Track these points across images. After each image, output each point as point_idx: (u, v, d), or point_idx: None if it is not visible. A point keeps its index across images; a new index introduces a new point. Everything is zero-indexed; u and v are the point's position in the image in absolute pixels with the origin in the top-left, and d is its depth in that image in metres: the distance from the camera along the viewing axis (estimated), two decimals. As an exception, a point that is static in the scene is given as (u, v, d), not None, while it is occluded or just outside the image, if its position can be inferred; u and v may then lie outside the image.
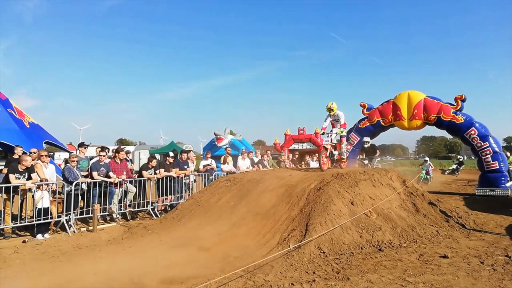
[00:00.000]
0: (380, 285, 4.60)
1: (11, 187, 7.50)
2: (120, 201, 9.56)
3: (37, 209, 7.69)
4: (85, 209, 8.64)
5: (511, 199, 12.34)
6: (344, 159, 10.83)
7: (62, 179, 8.60)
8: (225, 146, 17.34)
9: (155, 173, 10.32)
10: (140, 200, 9.94)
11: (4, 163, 9.43)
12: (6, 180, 7.65)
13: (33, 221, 7.63)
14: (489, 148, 13.24)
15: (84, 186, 8.67)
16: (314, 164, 14.97)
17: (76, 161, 8.89)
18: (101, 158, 9.22)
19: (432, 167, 21.04)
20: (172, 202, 10.53)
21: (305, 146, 21.36)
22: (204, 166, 12.19)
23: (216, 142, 19.01)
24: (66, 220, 8.07)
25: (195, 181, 11.95)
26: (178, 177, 10.72)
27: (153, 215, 9.82)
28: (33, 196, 7.75)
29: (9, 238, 7.51)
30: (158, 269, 5.61)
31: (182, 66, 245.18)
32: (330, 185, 7.83)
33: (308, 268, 5.33)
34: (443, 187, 18.05)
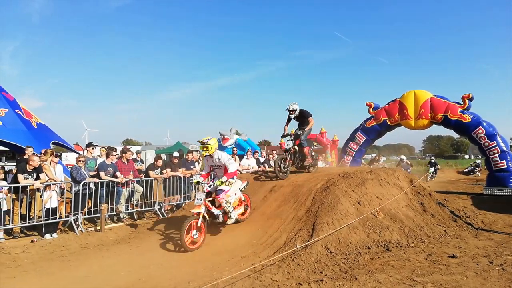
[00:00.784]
0: (388, 285, 4.58)
1: (20, 187, 7.56)
2: (127, 201, 9.60)
3: (45, 209, 7.75)
4: (92, 209, 8.68)
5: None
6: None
7: (70, 179, 8.66)
8: (231, 146, 17.37)
9: (161, 173, 10.35)
10: (147, 200, 9.97)
11: (13, 164, 9.53)
12: (15, 180, 7.72)
13: (41, 221, 7.68)
14: (497, 147, 13.13)
15: (92, 186, 8.72)
16: (320, 164, 14.93)
17: (84, 161, 8.96)
18: (111, 158, 9.30)
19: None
20: (178, 202, 10.55)
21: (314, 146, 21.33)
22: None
23: (221, 142, 19.04)
24: (74, 219, 8.12)
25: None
26: (184, 177, 10.74)
27: (160, 215, 9.85)
28: (41, 196, 7.81)
29: (18, 237, 7.58)
30: (166, 269, 5.63)
31: (187, 66, 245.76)
32: (337, 185, 7.81)
33: (315, 267, 5.32)
34: (451, 187, 17.93)
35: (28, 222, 7.69)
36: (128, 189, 9.54)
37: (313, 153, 9.61)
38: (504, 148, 13.18)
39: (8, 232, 7.72)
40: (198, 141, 7.16)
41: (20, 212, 7.96)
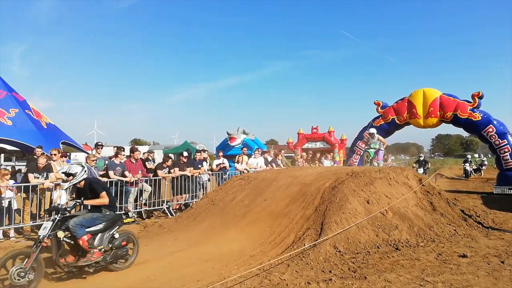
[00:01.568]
0: (398, 285, 4.54)
1: (30, 186, 7.64)
2: (135, 200, 9.66)
3: (55, 208, 7.81)
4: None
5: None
6: None
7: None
8: (238, 146, 17.38)
9: (169, 173, 10.40)
10: (155, 199, 10.02)
11: (23, 164, 9.64)
12: (25, 179, 7.81)
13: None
14: (508, 145, 12.97)
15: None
16: (328, 163, 14.91)
17: (95, 160, 9.03)
18: (120, 158, 9.37)
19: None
20: (187, 201, 10.60)
21: (318, 145, 21.29)
22: (217, 165, 12.23)
23: (229, 142, 19.05)
24: (83, 218, 8.17)
25: (209, 180, 12.01)
26: (192, 176, 10.78)
27: (168, 214, 9.90)
28: (51, 195, 7.88)
29: (28, 236, 7.66)
30: (174, 267, 5.65)
31: (195, 67, 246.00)
32: (345, 184, 7.77)
33: (324, 267, 5.30)
34: (460, 186, 17.76)
35: (39, 221, 7.77)
36: (136, 188, 9.59)
37: None
38: (515, 147, 13.01)
39: (19, 231, 7.80)
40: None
41: (31, 211, 8.05)
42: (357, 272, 5.03)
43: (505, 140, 12.97)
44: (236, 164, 12.61)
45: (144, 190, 9.81)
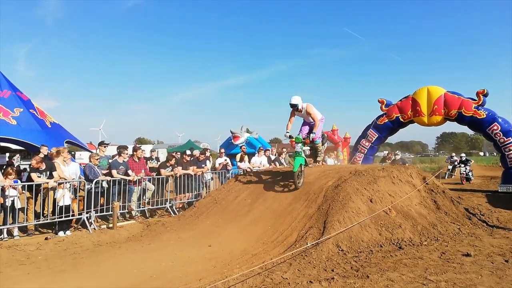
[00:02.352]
0: (400, 284, 4.51)
1: (34, 185, 7.68)
2: (139, 199, 9.69)
3: (58, 207, 7.85)
4: (105, 207, 8.78)
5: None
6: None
7: (83, 177, 8.77)
8: (241, 144, 17.36)
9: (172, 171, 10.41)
10: (158, 198, 10.04)
11: (28, 163, 9.69)
12: (29, 178, 7.85)
13: (55, 218, 7.79)
14: (513, 143, 12.85)
15: (105, 184, 8.81)
16: (331, 161, 14.87)
17: (98, 159, 9.07)
18: (123, 157, 9.40)
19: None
20: (190, 200, 10.60)
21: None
22: (219, 164, 12.23)
23: (232, 140, 19.03)
24: (87, 217, 8.22)
25: (212, 179, 12.01)
26: (195, 175, 10.78)
27: (171, 212, 9.91)
28: (54, 195, 7.92)
29: (32, 235, 7.71)
30: (177, 266, 5.66)
31: (200, 67, 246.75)
32: (348, 182, 7.74)
33: (326, 266, 5.27)
34: (465, 184, 17.64)
35: (42, 220, 7.82)
36: (140, 187, 9.62)
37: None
38: (520, 145, 12.89)
39: (23, 230, 7.85)
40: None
41: (35, 210, 8.10)
42: (360, 271, 5.00)
43: (510, 138, 12.85)
44: (239, 163, 12.60)
45: (147, 189, 9.84)
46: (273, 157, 13.51)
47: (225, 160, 12.42)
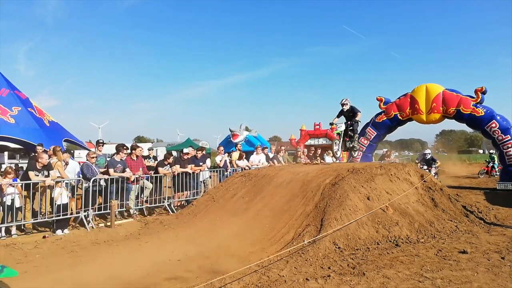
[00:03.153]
0: (396, 281, 4.53)
1: (31, 184, 7.68)
2: (137, 197, 9.69)
3: (56, 205, 7.86)
4: (103, 205, 8.79)
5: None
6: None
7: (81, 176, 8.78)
8: (240, 142, 17.38)
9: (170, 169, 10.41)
10: (156, 196, 10.04)
11: (27, 161, 9.70)
12: (26, 177, 7.85)
13: (52, 217, 7.80)
14: (511, 141, 12.85)
15: (103, 183, 8.82)
16: (329, 159, 14.86)
17: (95, 158, 9.06)
18: (121, 155, 9.40)
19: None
20: (188, 198, 10.61)
21: (321, 141, 21.22)
22: (220, 160, 12.23)
23: (231, 139, 19.07)
24: (84, 216, 8.22)
25: (210, 177, 12.02)
26: (193, 173, 10.79)
27: (170, 210, 9.91)
28: (51, 193, 7.92)
29: (30, 233, 7.71)
30: (174, 264, 5.67)
31: (199, 66, 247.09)
32: (346, 180, 7.75)
33: (323, 263, 5.29)
34: (463, 182, 17.65)
35: (40, 219, 7.82)
36: (138, 185, 9.62)
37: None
38: (519, 142, 12.89)
39: (21, 228, 7.86)
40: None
41: (34, 209, 8.10)
42: (356, 268, 5.01)
43: (509, 135, 12.85)
44: (237, 161, 12.61)
45: (146, 187, 9.84)
46: (271, 155, 13.51)
47: (224, 157, 12.43)
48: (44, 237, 7.45)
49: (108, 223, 8.52)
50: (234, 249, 6.24)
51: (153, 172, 10.29)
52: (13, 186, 7.59)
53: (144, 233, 7.87)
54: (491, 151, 20.67)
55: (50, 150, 9.02)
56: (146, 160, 11.25)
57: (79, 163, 9.90)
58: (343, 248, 5.89)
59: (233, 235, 6.94)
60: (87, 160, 9.03)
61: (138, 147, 10.26)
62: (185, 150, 11.24)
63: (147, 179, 9.89)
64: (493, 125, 12.99)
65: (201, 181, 11.29)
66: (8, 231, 7.57)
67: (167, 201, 10.11)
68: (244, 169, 11.79)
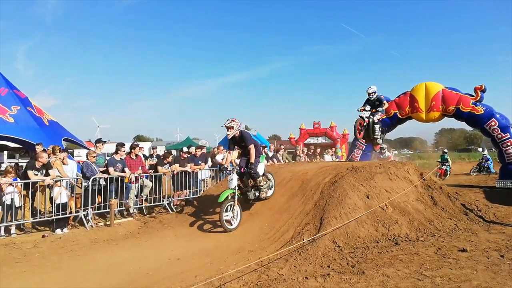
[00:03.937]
0: (396, 279, 4.53)
1: (30, 183, 7.67)
2: (136, 196, 9.67)
3: (55, 204, 7.84)
4: (102, 204, 8.78)
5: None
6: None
7: (81, 175, 8.76)
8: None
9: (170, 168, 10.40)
10: (156, 195, 10.03)
11: (27, 161, 9.68)
12: (25, 176, 7.84)
13: (52, 216, 7.79)
14: (510, 139, 12.82)
15: (102, 182, 8.80)
16: (328, 157, 14.88)
17: (95, 157, 9.05)
18: (120, 154, 9.39)
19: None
20: (187, 197, 10.60)
21: (320, 140, 21.24)
22: (222, 159, 12.20)
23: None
24: (84, 215, 8.20)
25: (211, 176, 12.00)
26: (193, 172, 10.78)
27: (169, 209, 9.90)
28: (51, 192, 7.91)
29: (29, 233, 7.70)
30: (173, 263, 5.66)
31: (199, 65, 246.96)
32: (345, 179, 7.75)
33: (322, 262, 5.29)
34: (462, 180, 17.66)
35: (39, 218, 7.81)
36: (137, 184, 9.61)
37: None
38: (518, 140, 12.87)
39: (20, 228, 7.85)
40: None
41: (34, 207, 8.08)
42: (356, 267, 5.02)
43: (508, 133, 12.83)
44: (237, 160, 12.59)
45: (145, 186, 9.82)
46: (270, 154, 13.50)
47: (224, 156, 12.41)
48: (43, 236, 7.44)
49: (108, 222, 8.51)
50: (233, 248, 6.24)
51: (152, 171, 10.28)
52: (13, 186, 7.58)
53: (143, 232, 7.87)
54: (444, 150, 20.36)
55: (49, 149, 9.01)
56: (149, 159, 11.27)
57: (78, 162, 9.90)
58: (343, 246, 5.89)
59: (233, 234, 6.94)
60: (87, 159, 9.02)
61: (138, 146, 10.25)
62: (190, 149, 11.22)
63: (146, 178, 9.87)
64: (493, 123, 12.97)
65: (201, 180, 11.28)
66: (7, 230, 7.56)
67: (167, 200, 10.10)
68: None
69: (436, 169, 17.73)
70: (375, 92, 10.76)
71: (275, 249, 5.93)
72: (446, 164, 18.75)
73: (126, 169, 9.27)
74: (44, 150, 8.78)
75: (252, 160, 7.30)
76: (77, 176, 8.88)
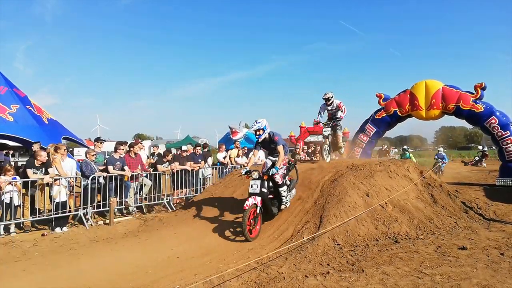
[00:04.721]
0: (395, 277, 4.52)
1: (29, 182, 7.66)
2: (136, 195, 9.67)
3: (55, 203, 7.84)
4: (101, 203, 8.77)
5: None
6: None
7: (80, 173, 8.75)
8: (240, 139, 17.33)
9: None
10: (155, 194, 10.02)
11: (26, 159, 9.67)
12: (24, 175, 7.83)
13: (51, 215, 7.78)
14: (510, 137, 12.80)
15: (101, 180, 8.79)
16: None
17: (95, 155, 9.04)
18: (119, 153, 9.37)
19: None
20: (187, 195, 10.60)
21: (321, 138, 21.17)
22: (223, 158, 12.21)
23: (231, 136, 19.02)
24: (83, 213, 8.20)
25: (212, 174, 12.00)
26: (192, 170, 10.77)
27: (169, 208, 9.90)
28: (50, 191, 7.89)
29: (28, 231, 7.69)
30: (173, 261, 5.66)
31: (199, 63, 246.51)
32: (345, 177, 7.73)
33: (322, 260, 5.28)
34: (462, 178, 17.64)
35: (38, 216, 7.80)
36: (136, 182, 9.60)
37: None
38: (518, 138, 12.84)
39: (19, 226, 7.84)
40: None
41: (34, 207, 8.07)
42: (355, 265, 5.01)
43: (508, 131, 12.81)
44: (236, 158, 12.58)
45: (144, 185, 9.82)
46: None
47: (226, 154, 12.41)
48: (42, 235, 7.43)
49: (107, 221, 8.51)
50: (233, 246, 6.23)
51: (152, 170, 10.27)
52: (12, 184, 7.57)
53: (143, 230, 7.87)
54: (404, 147, 20.27)
55: (48, 148, 8.98)
56: (150, 157, 11.27)
57: (78, 161, 9.88)
58: (342, 244, 5.88)
59: (232, 232, 6.93)
60: (86, 157, 9.00)
61: (139, 143, 10.24)
62: (183, 148, 11.20)
63: (146, 176, 9.86)
64: (493, 121, 12.94)
65: (202, 178, 11.29)
66: (6, 229, 7.55)
67: (166, 199, 10.10)
68: (243, 166, 11.76)
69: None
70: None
71: (274, 247, 5.92)
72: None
73: (126, 168, 9.25)
74: (43, 149, 8.77)
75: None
76: (76, 174, 8.86)
